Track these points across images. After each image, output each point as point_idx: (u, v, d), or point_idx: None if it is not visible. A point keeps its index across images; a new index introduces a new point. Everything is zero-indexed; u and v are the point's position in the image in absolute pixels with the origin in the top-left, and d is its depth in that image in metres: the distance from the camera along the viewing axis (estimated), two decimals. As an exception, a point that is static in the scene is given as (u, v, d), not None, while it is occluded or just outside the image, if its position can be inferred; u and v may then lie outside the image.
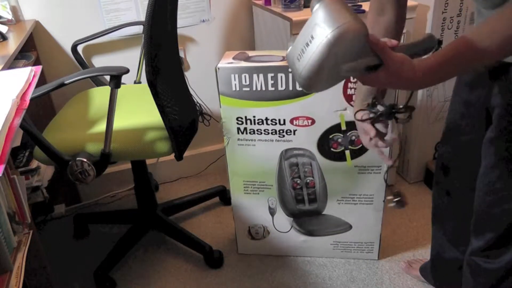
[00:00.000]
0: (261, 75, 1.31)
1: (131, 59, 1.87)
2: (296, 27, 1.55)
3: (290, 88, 1.32)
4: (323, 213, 1.53)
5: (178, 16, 1.50)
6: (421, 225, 1.76)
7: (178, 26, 1.50)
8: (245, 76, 1.32)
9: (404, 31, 1.61)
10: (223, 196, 1.97)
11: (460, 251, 1.22)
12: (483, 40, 0.70)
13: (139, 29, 1.82)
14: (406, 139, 1.95)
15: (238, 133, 1.43)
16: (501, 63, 0.88)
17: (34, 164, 1.57)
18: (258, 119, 1.39)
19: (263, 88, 1.33)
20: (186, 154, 1.47)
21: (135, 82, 1.83)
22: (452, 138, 1.14)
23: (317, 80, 0.73)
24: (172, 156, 1.42)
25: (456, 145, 1.13)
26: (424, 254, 1.61)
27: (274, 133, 1.41)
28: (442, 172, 1.21)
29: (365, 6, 1.63)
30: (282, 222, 1.58)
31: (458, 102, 1.09)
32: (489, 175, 0.95)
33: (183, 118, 1.45)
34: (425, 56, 0.74)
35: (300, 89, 1.31)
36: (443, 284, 1.39)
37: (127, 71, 1.22)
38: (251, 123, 1.41)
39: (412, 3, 1.62)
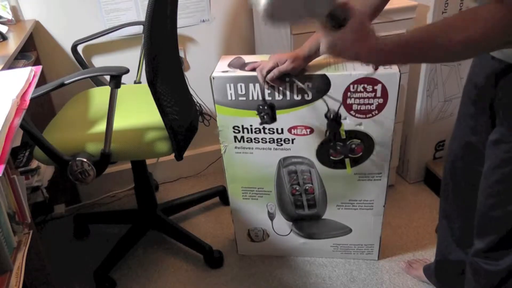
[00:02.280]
0: (257, 85, 1.29)
1: (131, 59, 1.87)
2: (296, 27, 1.55)
3: (288, 97, 1.30)
4: (323, 217, 1.53)
5: (178, 16, 1.50)
6: (421, 225, 1.76)
7: (178, 26, 1.50)
8: (240, 85, 1.30)
9: (404, 31, 1.62)
10: (223, 196, 1.97)
11: (466, 252, 1.22)
12: (442, 34, 0.72)
13: (139, 29, 1.82)
14: (406, 139, 1.95)
15: (235, 141, 1.41)
16: (506, 64, 0.88)
17: (34, 164, 1.57)
18: (255, 128, 1.37)
19: (260, 98, 1.31)
20: (186, 154, 1.47)
21: (135, 82, 1.83)
22: (460, 138, 1.14)
23: (280, 5, 0.67)
24: (172, 156, 1.42)
25: (464, 145, 1.13)
26: (424, 254, 1.61)
27: (272, 141, 1.39)
28: (450, 172, 1.20)
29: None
30: (281, 226, 1.57)
31: (467, 102, 1.09)
32: (491, 177, 0.95)
33: (183, 118, 1.45)
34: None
35: (298, 98, 1.30)
36: (446, 285, 1.39)
37: (127, 71, 1.22)
38: (248, 132, 1.39)
39: (412, 3, 1.62)
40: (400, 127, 1.84)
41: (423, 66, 1.73)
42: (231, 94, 1.32)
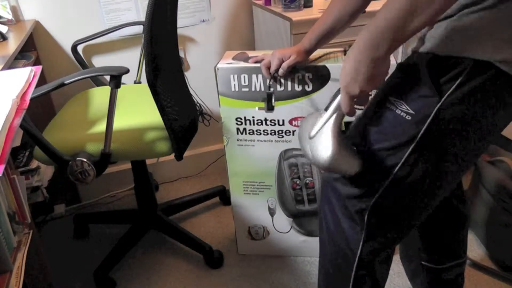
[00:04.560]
0: (260, 76, 1.31)
1: (131, 59, 1.87)
2: (296, 27, 1.55)
3: (289, 89, 1.32)
4: (323, 213, 1.53)
5: (178, 16, 1.51)
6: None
7: (178, 26, 1.50)
8: (244, 76, 1.32)
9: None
10: (223, 196, 1.97)
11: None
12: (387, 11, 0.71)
13: (139, 29, 1.82)
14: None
15: (238, 133, 1.43)
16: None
17: (34, 164, 1.57)
18: (257, 120, 1.39)
19: (262, 89, 1.33)
20: (186, 154, 1.47)
21: (135, 82, 1.83)
22: None
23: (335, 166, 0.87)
24: (172, 156, 1.42)
25: None
26: (424, 254, 1.61)
27: (273, 133, 1.41)
28: None
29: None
30: (281, 223, 1.58)
31: None
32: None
33: (183, 118, 1.45)
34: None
35: (299, 89, 1.32)
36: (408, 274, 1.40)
37: (127, 71, 1.22)
38: (250, 124, 1.41)
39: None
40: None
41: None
42: (234, 85, 1.33)
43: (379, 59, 0.76)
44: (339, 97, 0.86)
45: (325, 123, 0.88)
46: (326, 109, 0.89)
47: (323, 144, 0.87)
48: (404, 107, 0.81)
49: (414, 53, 0.82)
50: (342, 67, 0.82)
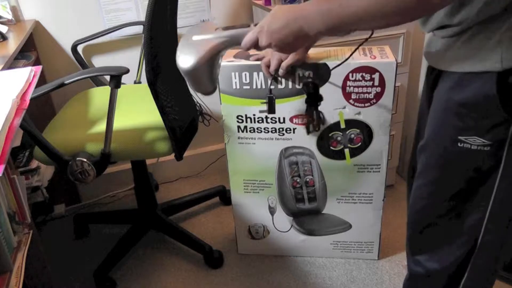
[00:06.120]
0: (261, 74, 1.31)
1: (131, 59, 1.87)
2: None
3: (290, 86, 1.32)
4: (323, 212, 1.53)
5: (178, 16, 1.51)
6: (421, 225, 1.75)
7: (178, 26, 1.50)
8: (245, 74, 1.32)
9: (404, 30, 1.62)
10: (223, 196, 1.97)
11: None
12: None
13: (139, 29, 1.82)
14: (406, 139, 1.95)
15: (238, 131, 1.43)
16: (439, 71, 0.85)
17: (34, 164, 1.57)
18: (258, 118, 1.39)
19: (263, 86, 1.33)
20: (186, 154, 1.47)
21: (135, 82, 1.83)
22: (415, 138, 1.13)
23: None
24: (172, 156, 1.43)
25: (415, 145, 1.12)
26: (424, 254, 1.61)
27: (274, 131, 1.41)
28: (408, 171, 1.20)
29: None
30: (282, 222, 1.58)
31: (422, 102, 1.09)
32: (417, 180, 0.94)
33: (183, 118, 1.45)
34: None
35: (299, 87, 1.32)
36: None
37: (127, 71, 1.22)
38: (251, 122, 1.41)
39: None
40: (400, 127, 1.84)
41: (423, 66, 1.73)
42: (235, 82, 1.34)
43: (304, 37, 0.78)
44: (247, 29, 0.86)
45: (214, 36, 0.88)
46: (226, 29, 0.89)
47: (196, 50, 0.87)
48: (479, 141, 0.78)
49: (460, 81, 0.77)
50: (271, 13, 0.82)
